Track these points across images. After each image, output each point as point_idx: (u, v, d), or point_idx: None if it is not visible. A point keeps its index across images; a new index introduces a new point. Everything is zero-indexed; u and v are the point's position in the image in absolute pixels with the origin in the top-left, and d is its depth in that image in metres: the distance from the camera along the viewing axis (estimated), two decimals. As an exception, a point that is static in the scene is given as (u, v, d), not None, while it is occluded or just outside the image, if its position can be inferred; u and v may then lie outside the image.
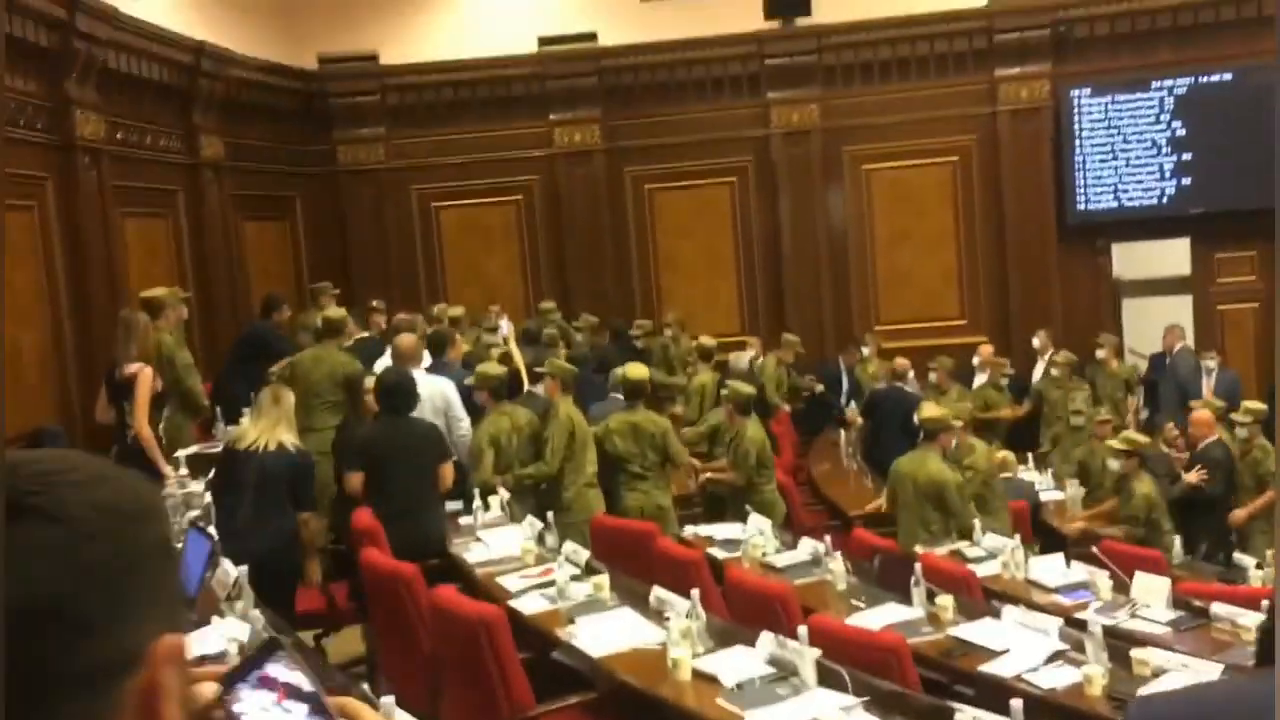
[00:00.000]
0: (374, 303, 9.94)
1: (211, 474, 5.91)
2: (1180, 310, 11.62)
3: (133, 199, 9.16)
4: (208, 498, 5.68)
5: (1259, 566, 6.39)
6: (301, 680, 0.95)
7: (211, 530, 4.82)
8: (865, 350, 11.06)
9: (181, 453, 6.77)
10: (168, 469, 6.24)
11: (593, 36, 11.99)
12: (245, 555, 4.49)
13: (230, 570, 4.26)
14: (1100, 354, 10.50)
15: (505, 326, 9.78)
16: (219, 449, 6.25)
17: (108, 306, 8.29)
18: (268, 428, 5.46)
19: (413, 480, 5.99)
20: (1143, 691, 3.95)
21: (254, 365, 8.27)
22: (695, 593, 4.35)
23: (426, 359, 7.40)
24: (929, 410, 7.28)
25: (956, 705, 3.47)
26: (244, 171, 10.91)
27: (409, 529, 5.80)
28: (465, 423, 6.87)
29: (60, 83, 8.20)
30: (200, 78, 10.12)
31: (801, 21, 11.81)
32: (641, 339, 10.80)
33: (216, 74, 10.31)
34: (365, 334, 8.73)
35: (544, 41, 12.00)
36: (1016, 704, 3.28)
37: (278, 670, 0.96)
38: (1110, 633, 4.42)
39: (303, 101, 12.00)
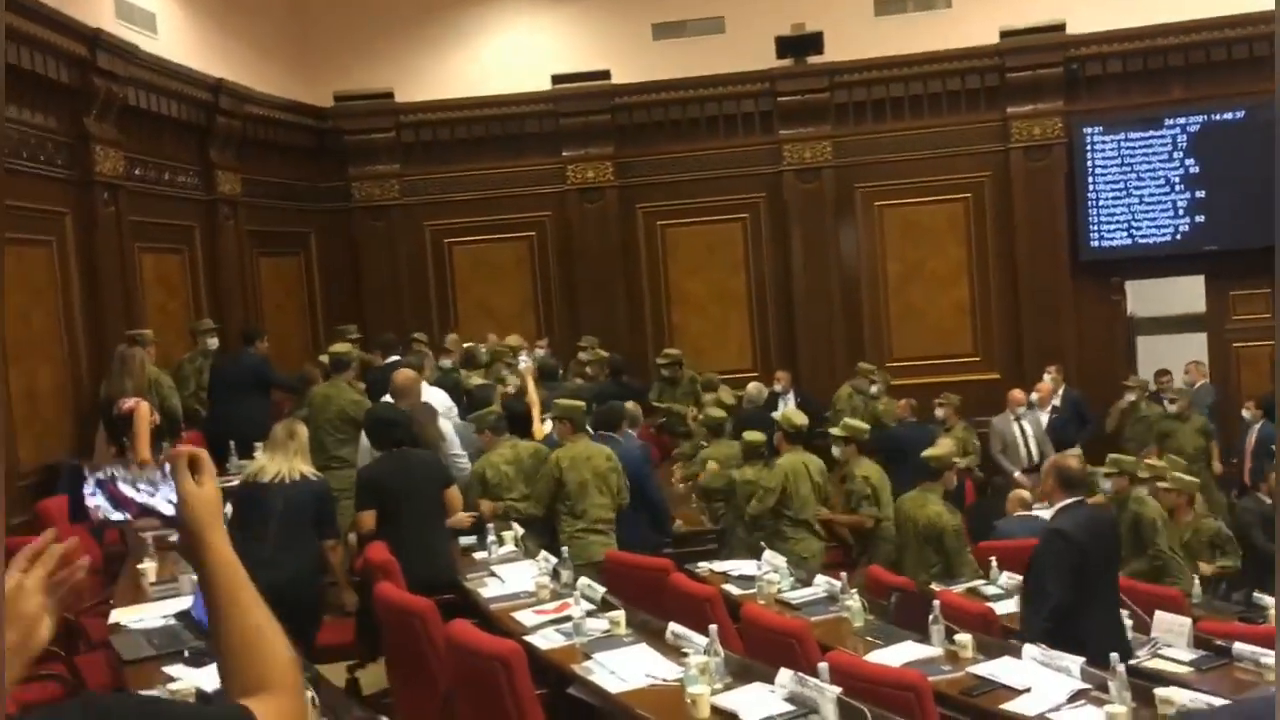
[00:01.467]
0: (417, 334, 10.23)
1: (229, 509, 5.91)
2: (1195, 347, 11.58)
3: (150, 234, 9.22)
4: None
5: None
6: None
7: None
8: (875, 388, 11.00)
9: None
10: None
11: (606, 75, 12.09)
12: (270, 587, 4.49)
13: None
14: (1130, 397, 10.37)
15: (525, 360, 9.78)
16: (234, 483, 6.25)
17: (124, 340, 8.32)
18: (285, 460, 5.53)
19: (421, 511, 6.02)
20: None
21: (256, 398, 8.31)
22: (714, 629, 4.31)
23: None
24: (934, 448, 7.26)
25: (980, 744, 3.43)
26: (260, 207, 10.99)
27: (420, 560, 5.80)
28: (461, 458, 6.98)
29: (80, 119, 8.27)
30: (218, 115, 10.22)
31: (813, 59, 11.89)
32: (668, 368, 10.80)
33: (234, 111, 10.41)
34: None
35: (557, 80, 12.10)
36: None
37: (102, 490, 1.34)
38: (1132, 672, 4.36)
39: (318, 138, 12.11)
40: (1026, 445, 10.01)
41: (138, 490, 1.12)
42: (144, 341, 7.68)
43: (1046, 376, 10.81)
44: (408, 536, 5.89)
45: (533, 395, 8.24)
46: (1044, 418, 10.28)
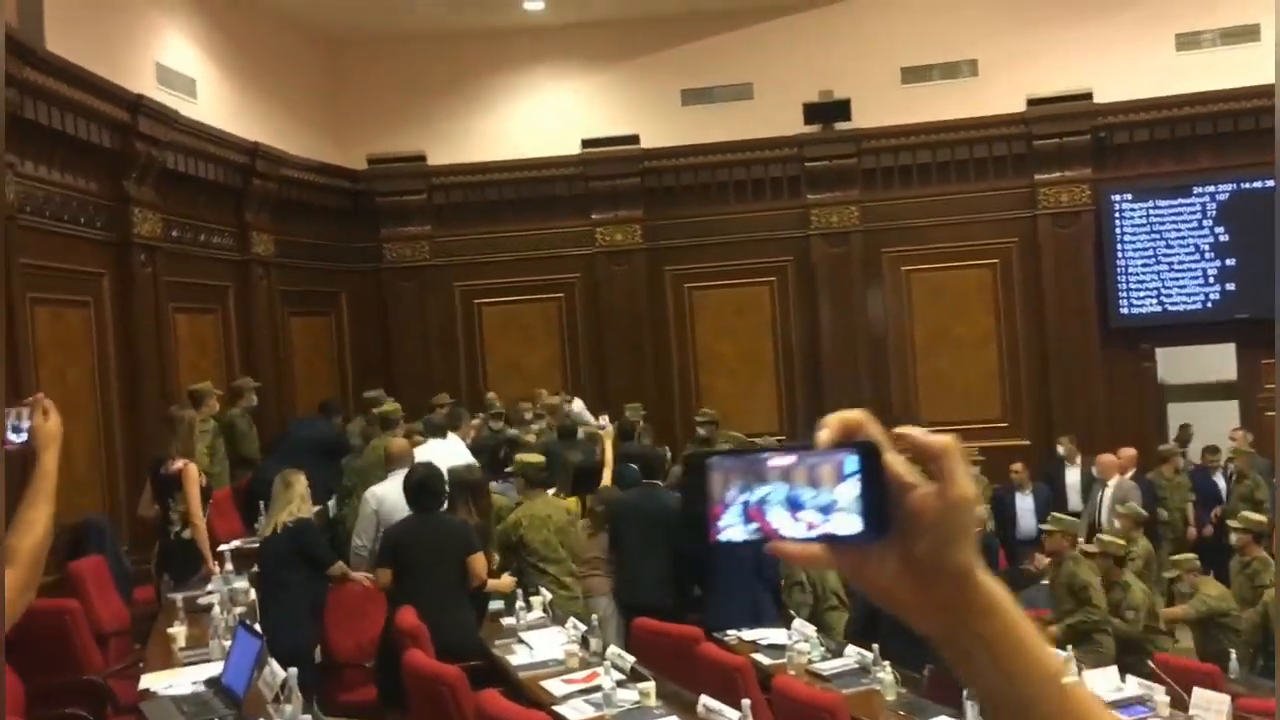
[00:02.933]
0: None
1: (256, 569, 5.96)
2: (1227, 415, 11.48)
3: (185, 294, 9.35)
4: (253, 594, 5.69)
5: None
6: None
7: (258, 628, 4.81)
8: None
9: (225, 547, 6.79)
10: (214, 565, 6.26)
11: (635, 139, 12.23)
12: (266, 634, 4.58)
13: (278, 672, 4.24)
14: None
15: (606, 423, 9.91)
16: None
17: (158, 400, 8.41)
18: (278, 512, 5.62)
19: (439, 576, 5.97)
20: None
21: (325, 464, 8.35)
22: (746, 703, 4.27)
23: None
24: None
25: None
26: (292, 268, 11.13)
27: (438, 625, 5.78)
28: None
29: (120, 182, 8.43)
30: (254, 177, 10.39)
31: (840, 126, 11.99)
32: (704, 426, 10.67)
33: (269, 174, 10.59)
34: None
35: (587, 144, 12.25)
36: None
37: None
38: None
39: (351, 200, 12.27)
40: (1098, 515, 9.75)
41: (799, 515, 0.84)
42: (206, 393, 7.86)
43: (1060, 449, 10.66)
44: (423, 600, 5.87)
45: (609, 455, 8.44)
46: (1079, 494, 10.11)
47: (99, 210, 8.24)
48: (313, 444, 8.56)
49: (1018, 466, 10.25)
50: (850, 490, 0.78)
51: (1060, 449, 10.65)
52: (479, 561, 6.30)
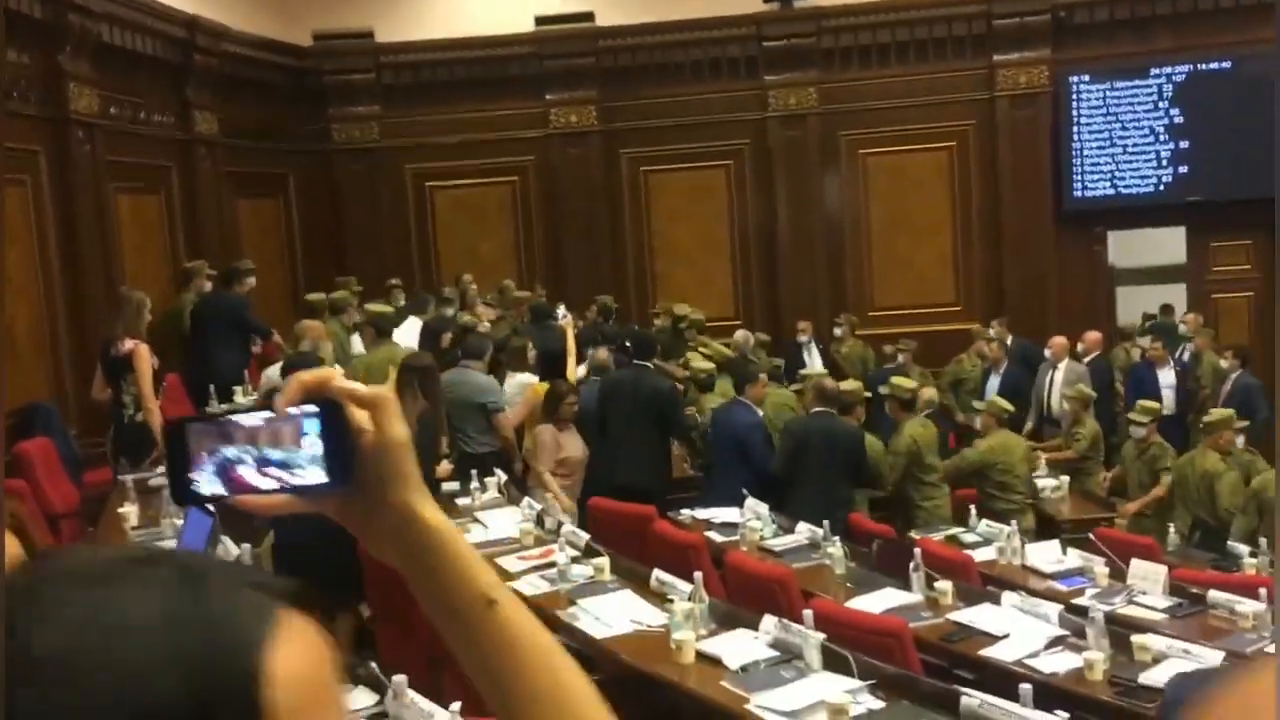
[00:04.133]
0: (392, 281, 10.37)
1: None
2: (1174, 297, 11.64)
3: (126, 174, 9.08)
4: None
5: (1252, 555, 6.41)
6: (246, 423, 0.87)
7: (210, 507, 4.79)
8: (838, 330, 11.02)
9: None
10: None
11: (590, 16, 11.91)
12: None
13: (231, 548, 4.24)
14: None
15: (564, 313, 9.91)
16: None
17: (101, 282, 8.24)
18: None
19: None
20: (1144, 676, 3.98)
21: (236, 342, 8.23)
22: (698, 576, 4.35)
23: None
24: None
25: (963, 690, 3.47)
26: (237, 148, 10.82)
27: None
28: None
29: (54, 56, 8.10)
30: (194, 53, 10.03)
31: (800, 4, 11.75)
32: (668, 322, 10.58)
33: (210, 49, 10.21)
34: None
35: (541, 21, 11.92)
36: (1026, 689, 3.29)
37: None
38: (1108, 619, 4.43)
39: (297, 79, 11.91)
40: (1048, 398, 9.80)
41: (266, 471, 0.84)
42: (198, 272, 8.32)
43: (991, 331, 10.58)
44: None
45: (570, 343, 8.56)
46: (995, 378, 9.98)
47: (32, 85, 7.93)
48: (218, 325, 8.29)
49: (993, 347, 10.27)
50: (314, 445, 0.85)
51: (991, 331, 10.67)
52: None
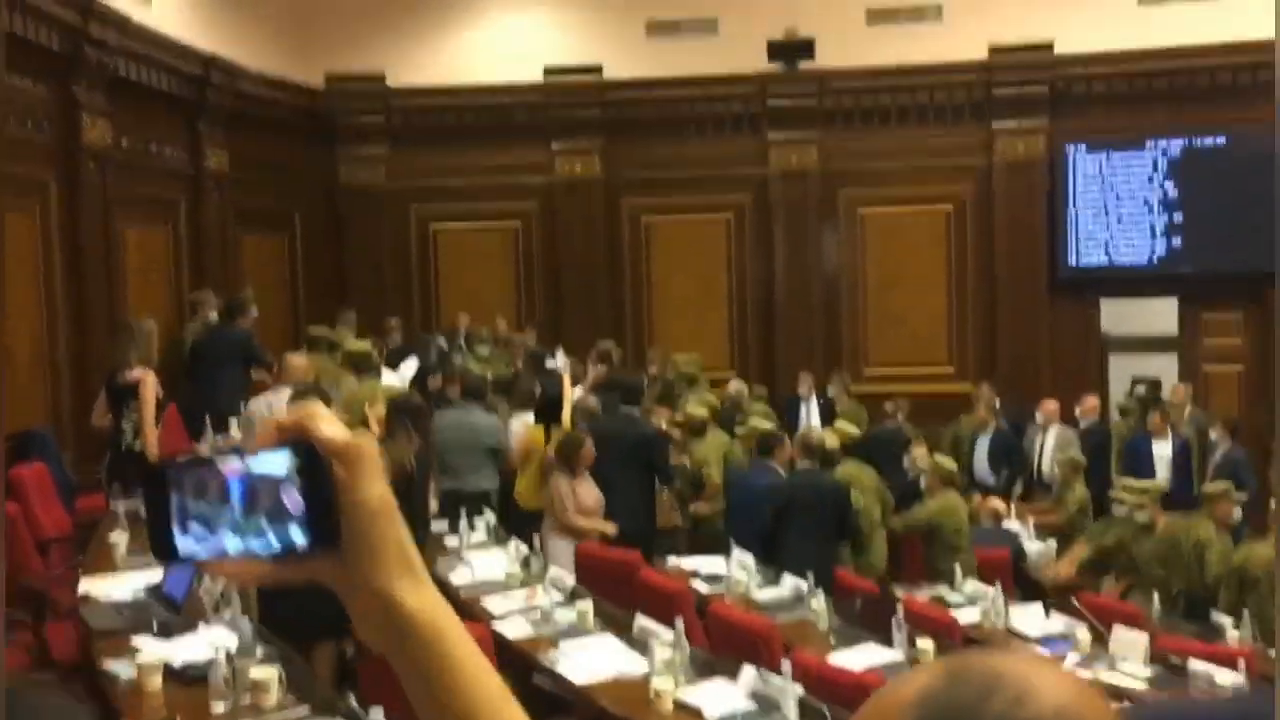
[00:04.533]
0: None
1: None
2: (1166, 368, 11.73)
3: (134, 207, 9.19)
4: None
5: (1235, 627, 6.43)
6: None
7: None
8: (832, 390, 10.99)
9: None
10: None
11: (598, 69, 12.13)
12: None
13: (215, 586, 4.28)
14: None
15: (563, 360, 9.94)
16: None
17: (104, 311, 8.32)
18: None
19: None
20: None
21: (236, 373, 8.30)
22: (679, 623, 4.38)
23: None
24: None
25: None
26: (245, 184, 10.94)
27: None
28: None
29: (69, 87, 8.24)
30: (208, 89, 10.19)
31: (804, 65, 11.96)
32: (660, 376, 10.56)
33: (224, 87, 10.38)
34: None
35: (550, 71, 12.13)
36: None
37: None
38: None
39: (308, 118, 12.07)
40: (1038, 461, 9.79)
41: (244, 532, 0.75)
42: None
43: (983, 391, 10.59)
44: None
45: (568, 389, 8.59)
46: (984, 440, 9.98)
47: (46, 115, 8.06)
48: (221, 356, 8.39)
49: (981, 410, 10.31)
50: (294, 499, 0.73)
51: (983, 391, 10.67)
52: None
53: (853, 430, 7.98)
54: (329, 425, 0.75)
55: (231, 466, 0.75)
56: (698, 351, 11.49)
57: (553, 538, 6.65)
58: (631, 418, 7.66)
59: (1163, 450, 9.65)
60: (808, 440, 7.32)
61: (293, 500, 0.74)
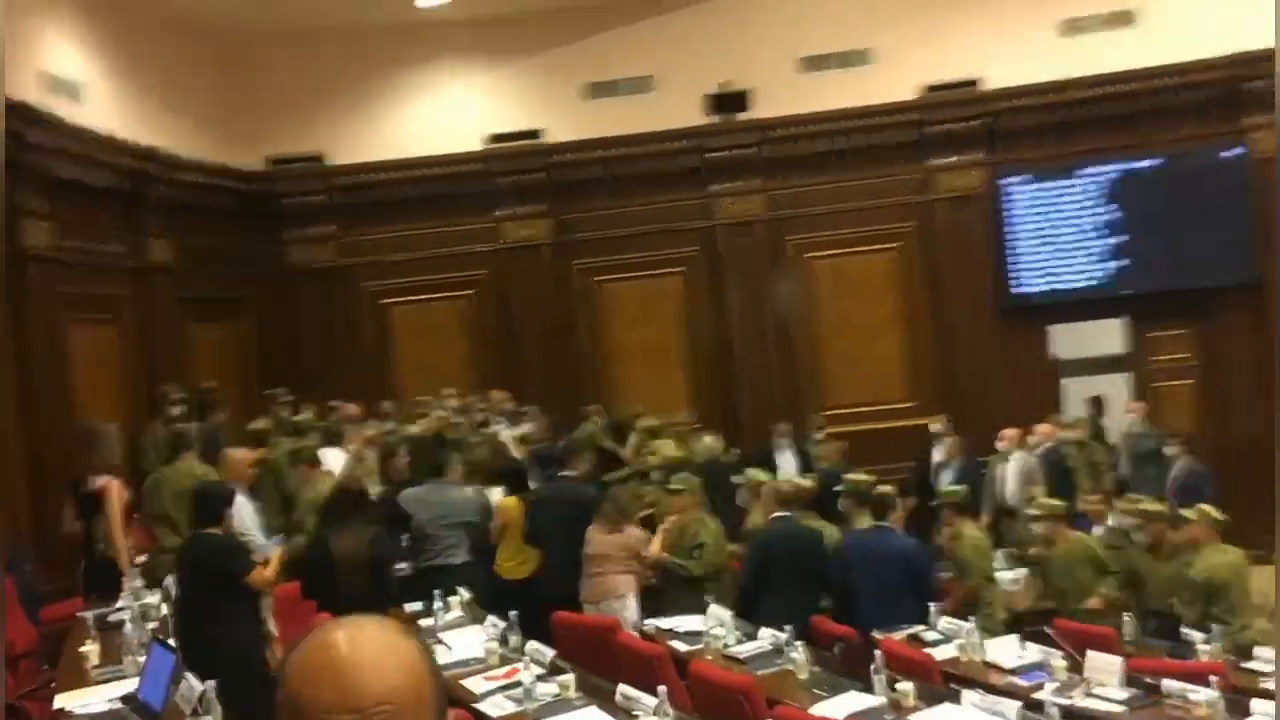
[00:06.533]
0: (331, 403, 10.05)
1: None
2: (1117, 388, 11.93)
3: (81, 306, 9.12)
4: (164, 609, 5.63)
5: (1205, 641, 6.51)
6: None
7: (172, 643, 4.78)
8: (818, 436, 11.06)
9: (135, 563, 6.70)
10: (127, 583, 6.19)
11: (539, 134, 12.25)
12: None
13: (195, 685, 4.23)
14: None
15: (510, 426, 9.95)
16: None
17: (54, 413, 8.23)
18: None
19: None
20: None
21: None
22: (663, 690, 4.38)
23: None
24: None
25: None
26: (194, 274, 10.86)
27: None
28: None
29: (9, 194, 8.20)
30: (148, 182, 10.16)
31: (741, 116, 12.16)
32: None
33: (164, 178, 10.35)
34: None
35: (491, 139, 12.23)
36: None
37: None
38: (1067, 713, 4.50)
39: (251, 203, 12.06)
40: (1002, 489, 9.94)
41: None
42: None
43: (937, 426, 10.78)
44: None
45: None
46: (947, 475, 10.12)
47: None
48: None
49: (948, 443, 10.44)
50: None
51: (933, 428, 10.85)
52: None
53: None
54: None
55: None
56: (661, 406, 11.55)
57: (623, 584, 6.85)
58: (564, 483, 7.71)
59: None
60: (779, 490, 7.39)
61: None
